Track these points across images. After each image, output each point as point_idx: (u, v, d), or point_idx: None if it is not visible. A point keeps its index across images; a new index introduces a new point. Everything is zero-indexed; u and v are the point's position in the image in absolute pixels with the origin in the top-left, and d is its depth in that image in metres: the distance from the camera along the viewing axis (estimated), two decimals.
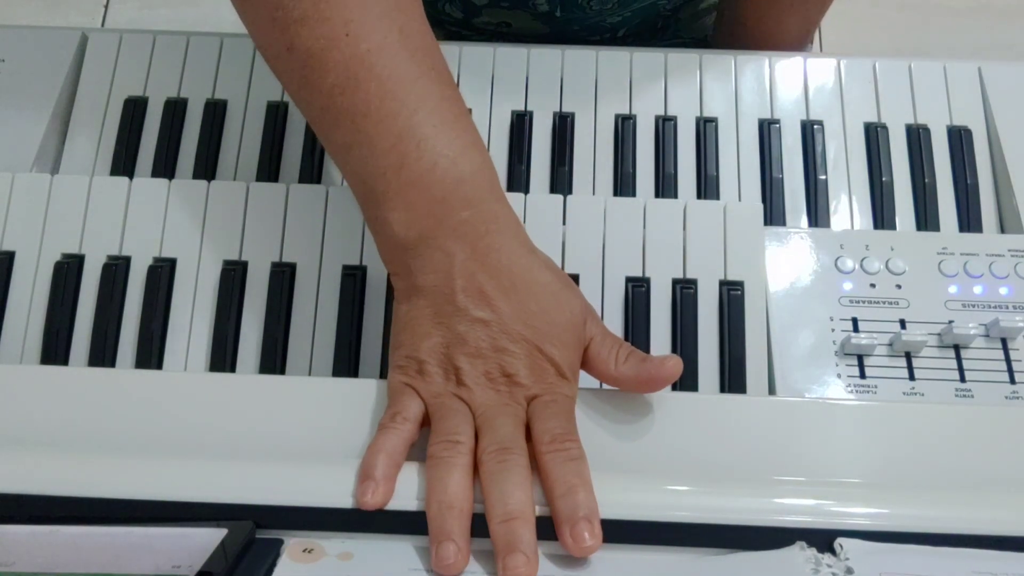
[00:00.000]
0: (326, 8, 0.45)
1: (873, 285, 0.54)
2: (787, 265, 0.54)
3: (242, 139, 0.61)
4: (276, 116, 0.61)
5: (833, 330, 0.53)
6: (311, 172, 0.60)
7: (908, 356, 0.52)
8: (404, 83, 0.45)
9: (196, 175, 0.60)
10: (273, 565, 0.38)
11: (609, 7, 0.68)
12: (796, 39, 0.71)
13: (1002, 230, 0.59)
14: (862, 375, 0.51)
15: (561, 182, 0.60)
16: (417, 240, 0.45)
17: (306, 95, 0.47)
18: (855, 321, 0.53)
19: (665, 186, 0.60)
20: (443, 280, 0.45)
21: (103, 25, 1.55)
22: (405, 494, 0.41)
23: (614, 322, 0.53)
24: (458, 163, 0.45)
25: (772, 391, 0.51)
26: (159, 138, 0.61)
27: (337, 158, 0.48)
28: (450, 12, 0.71)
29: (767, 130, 0.61)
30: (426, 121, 0.45)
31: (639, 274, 0.54)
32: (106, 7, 1.57)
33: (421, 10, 0.48)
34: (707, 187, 0.60)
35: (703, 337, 0.52)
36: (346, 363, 0.53)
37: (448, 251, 0.45)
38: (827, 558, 0.38)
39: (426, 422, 0.44)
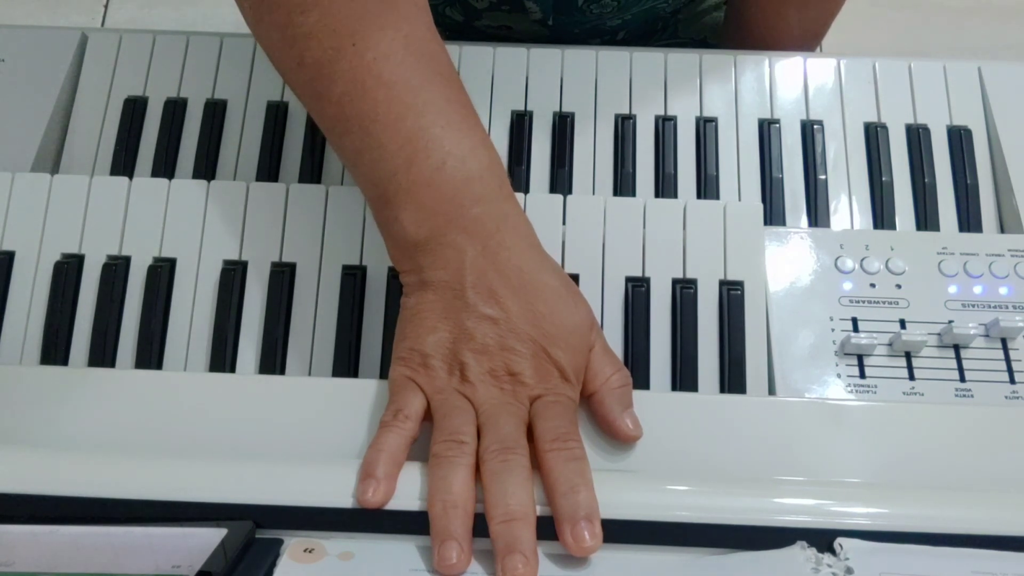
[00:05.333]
0: (332, 21, 0.46)
1: (873, 285, 0.54)
2: (787, 265, 0.54)
3: (242, 139, 0.61)
4: (276, 116, 0.61)
5: (833, 330, 0.53)
6: (311, 172, 0.60)
7: (908, 356, 0.52)
8: (410, 88, 0.46)
9: (196, 175, 0.60)
10: (273, 565, 0.38)
11: (609, 11, 0.68)
12: (802, 42, 0.71)
13: (1002, 230, 0.59)
14: (862, 375, 0.51)
15: (561, 182, 0.60)
16: (428, 238, 0.45)
17: (318, 105, 0.48)
18: (855, 321, 0.53)
19: (665, 186, 0.60)
20: (453, 276, 0.45)
21: (103, 25, 1.55)
22: (406, 494, 0.41)
23: (614, 322, 0.53)
24: (467, 162, 0.46)
25: (772, 391, 0.51)
26: (159, 138, 0.61)
27: (349, 164, 0.49)
28: (451, 15, 0.71)
29: (767, 130, 0.61)
30: (434, 123, 0.46)
31: (639, 274, 0.54)
32: (106, 7, 1.57)
33: (428, 17, 0.49)
34: (707, 187, 0.60)
35: (703, 337, 0.52)
36: (346, 363, 0.53)
37: (459, 247, 0.45)
38: (827, 558, 0.38)
39: (426, 417, 0.44)
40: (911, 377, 0.51)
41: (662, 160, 0.60)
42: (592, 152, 0.61)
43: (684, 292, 0.53)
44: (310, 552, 0.39)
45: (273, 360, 0.53)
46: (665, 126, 0.61)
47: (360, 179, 0.49)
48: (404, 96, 0.46)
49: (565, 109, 0.62)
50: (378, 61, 0.46)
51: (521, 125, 0.61)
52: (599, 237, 0.54)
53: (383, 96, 0.46)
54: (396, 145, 0.46)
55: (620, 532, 0.40)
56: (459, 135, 0.46)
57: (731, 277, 0.53)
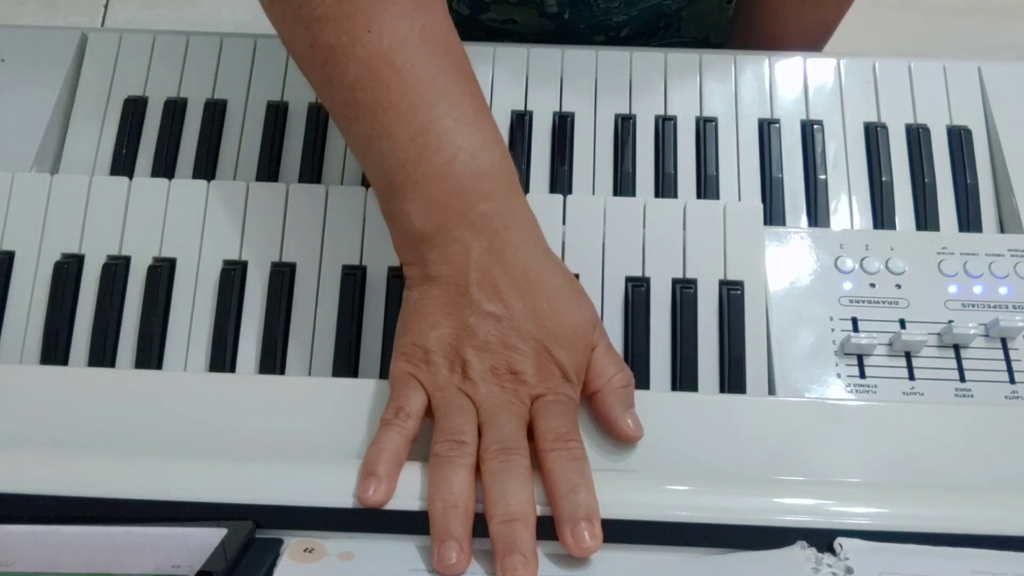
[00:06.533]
0: (349, 6, 0.46)
1: (873, 285, 0.54)
2: (787, 265, 0.54)
3: (242, 139, 0.61)
4: (276, 116, 0.61)
5: (833, 330, 0.53)
6: (311, 172, 0.60)
7: (908, 356, 0.52)
8: (425, 78, 0.46)
9: (196, 175, 0.60)
10: (273, 565, 0.38)
11: (616, 6, 0.68)
12: (812, 40, 0.71)
13: (1002, 230, 0.59)
14: (862, 375, 0.51)
15: (561, 182, 0.60)
16: (434, 232, 0.45)
17: (329, 90, 0.48)
18: (855, 321, 0.53)
19: (665, 186, 0.60)
20: (458, 271, 0.45)
21: (103, 25, 1.55)
22: (406, 493, 0.41)
23: (614, 322, 0.53)
24: (477, 157, 0.46)
25: (772, 391, 0.51)
26: (159, 138, 0.61)
27: (358, 152, 0.49)
28: (457, 8, 0.71)
29: (767, 130, 0.61)
30: (446, 115, 0.46)
31: (639, 274, 0.54)
32: (106, 7, 1.57)
33: (444, 8, 0.49)
34: (707, 187, 0.60)
35: (703, 337, 0.52)
36: (346, 363, 0.53)
37: (465, 243, 0.45)
38: (827, 558, 0.38)
39: (427, 413, 0.44)
40: (911, 377, 0.51)
41: (662, 160, 0.60)
42: (592, 152, 0.61)
43: (684, 292, 0.53)
44: (310, 552, 0.39)
45: (273, 360, 0.53)
46: (665, 126, 0.61)
47: (368, 167, 0.48)
48: (418, 86, 0.46)
49: (565, 109, 0.62)
50: (394, 48, 0.46)
51: (521, 125, 0.61)
52: (599, 237, 0.54)
53: (396, 84, 0.46)
54: (407, 136, 0.46)
55: (620, 532, 0.40)
56: (471, 129, 0.46)
57: (731, 277, 0.53)
